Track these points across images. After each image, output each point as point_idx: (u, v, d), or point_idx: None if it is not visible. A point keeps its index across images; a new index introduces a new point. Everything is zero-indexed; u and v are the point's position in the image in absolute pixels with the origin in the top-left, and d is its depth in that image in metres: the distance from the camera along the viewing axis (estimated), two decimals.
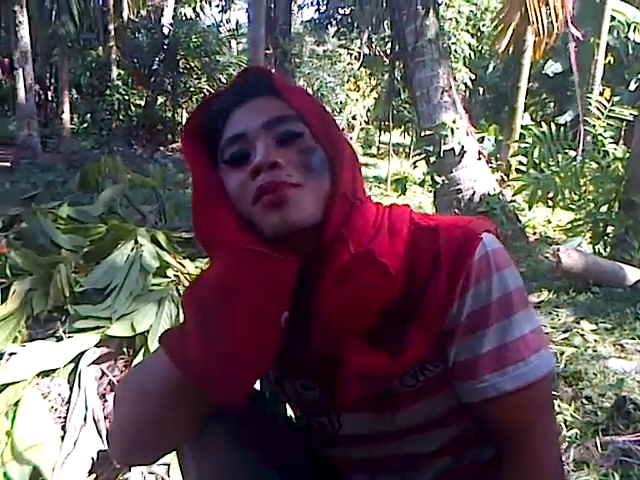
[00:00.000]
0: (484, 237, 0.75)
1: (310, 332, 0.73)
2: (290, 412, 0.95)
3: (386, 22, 8.91)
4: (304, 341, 0.74)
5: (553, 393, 2.30)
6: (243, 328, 0.68)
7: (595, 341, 2.97)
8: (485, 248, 0.74)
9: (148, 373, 0.77)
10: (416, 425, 0.80)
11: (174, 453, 0.84)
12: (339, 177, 0.74)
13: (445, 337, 0.75)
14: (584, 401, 2.28)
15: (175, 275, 2.88)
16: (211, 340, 0.69)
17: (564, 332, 3.11)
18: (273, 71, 0.84)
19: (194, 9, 15.39)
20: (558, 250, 3.99)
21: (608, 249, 4.59)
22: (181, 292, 2.81)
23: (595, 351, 2.81)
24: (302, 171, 0.73)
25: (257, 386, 0.92)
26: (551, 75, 11.31)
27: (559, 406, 2.21)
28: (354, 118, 15.21)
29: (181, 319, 0.75)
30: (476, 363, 0.74)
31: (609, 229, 4.63)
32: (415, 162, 6.19)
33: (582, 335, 3.05)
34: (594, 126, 5.41)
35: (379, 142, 16.35)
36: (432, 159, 5.40)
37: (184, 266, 3.09)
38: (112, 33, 12.05)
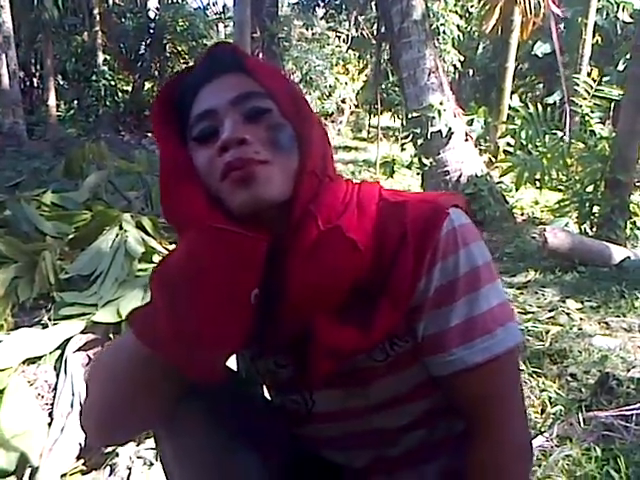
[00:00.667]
0: (451, 212, 0.75)
1: (281, 309, 0.74)
2: (266, 392, 0.96)
3: (373, 3, 8.83)
4: (275, 318, 0.74)
5: (538, 371, 2.33)
6: (212, 306, 0.68)
7: (580, 319, 3.00)
8: (452, 223, 0.74)
9: (117, 353, 0.78)
10: (387, 400, 0.81)
11: None
12: (308, 154, 0.74)
13: (414, 312, 0.75)
14: (569, 378, 2.31)
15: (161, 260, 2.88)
16: (180, 318, 0.69)
17: (550, 311, 3.14)
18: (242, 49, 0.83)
19: None
20: (544, 230, 4.01)
21: (594, 229, 4.62)
22: None
23: (580, 329, 2.84)
24: (270, 148, 0.73)
25: (233, 366, 0.93)
26: (540, 56, 11.27)
27: (544, 384, 2.24)
28: (343, 102, 15.11)
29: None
30: (444, 337, 0.74)
31: (595, 209, 4.65)
32: (403, 144, 6.18)
33: (568, 314, 3.08)
34: (581, 106, 5.41)
35: (369, 126, 16.29)
36: (419, 141, 5.40)
37: (169, 251, 3.08)
38: (97, 18, 11.87)
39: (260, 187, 0.70)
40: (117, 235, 2.93)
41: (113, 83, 12.13)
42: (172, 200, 0.75)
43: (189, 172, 0.74)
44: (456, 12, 11.80)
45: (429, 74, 5.26)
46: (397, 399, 0.81)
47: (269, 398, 0.94)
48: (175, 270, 0.70)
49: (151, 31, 12.31)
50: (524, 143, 5.62)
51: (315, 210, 0.73)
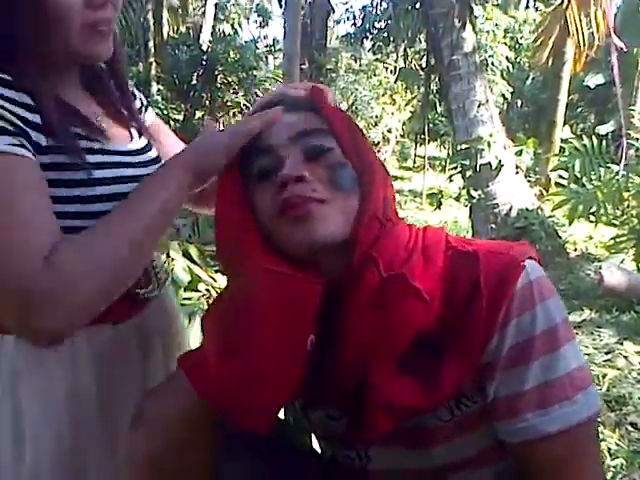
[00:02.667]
0: (527, 265, 0.70)
1: (338, 357, 0.70)
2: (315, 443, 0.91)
3: (422, 35, 8.88)
4: (332, 367, 0.71)
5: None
6: (266, 351, 0.66)
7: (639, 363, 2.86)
8: (528, 277, 0.69)
9: (166, 397, 0.75)
10: (452, 463, 0.75)
11: None
12: (369, 196, 0.72)
13: (484, 371, 0.70)
14: (629, 428, 2.19)
15: (206, 289, 2.89)
16: (233, 363, 0.66)
17: (606, 353, 3.01)
18: (312, 84, 0.83)
19: (232, 25, 15.67)
20: (600, 267, 3.87)
21: None
22: None
23: None
24: (329, 187, 0.71)
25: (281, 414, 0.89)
26: (592, 87, 11.07)
27: (602, 433, 2.12)
28: (389, 131, 15.15)
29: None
30: (517, 401, 0.69)
31: None
32: (451, 176, 6.11)
33: (626, 357, 2.94)
34: (637, 139, 5.24)
35: (415, 155, 16.26)
36: (468, 173, 5.32)
37: (215, 280, 3.09)
38: (152, 50, 12.33)
39: (316, 226, 0.68)
40: (164, 263, 2.96)
41: (166, 112, 12.50)
42: (227, 237, 0.74)
43: (246, 209, 0.73)
44: (505, 43, 11.76)
45: (479, 106, 5.21)
46: (463, 463, 0.75)
47: (319, 450, 0.90)
48: (229, 313, 0.69)
49: (203, 62, 12.68)
50: (578, 176, 5.47)
51: (377, 255, 0.69)
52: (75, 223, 0.75)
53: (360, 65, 15.67)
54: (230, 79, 12.96)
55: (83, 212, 0.77)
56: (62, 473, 0.83)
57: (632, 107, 6.52)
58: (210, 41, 13.44)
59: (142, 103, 1.03)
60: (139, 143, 0.93)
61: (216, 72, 12.75)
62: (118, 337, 0.86)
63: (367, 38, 13.71)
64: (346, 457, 0.81)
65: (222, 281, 3.02)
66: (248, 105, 12.87)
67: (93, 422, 0.84)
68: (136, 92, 1.02)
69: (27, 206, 0.68)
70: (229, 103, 13.06)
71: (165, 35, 13.61)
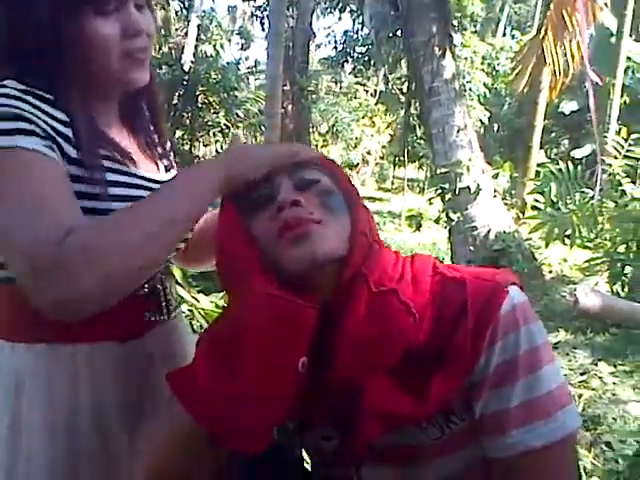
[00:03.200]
0: (510, 290, 0.75)
1: (330, 375, 0.73)
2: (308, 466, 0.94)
3: (403, 61, 9.06)
4: (324, 384, 0.74)
5: None
6: (259, 373, 0.68)
7: (614, 384, 2.92)
8: (512, 301, 0.74)
9: (166, 419, 0.77)
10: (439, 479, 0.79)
11: None
12: (357, 217, 0.78)
13: (472, 390, 0.74)
14: (604, 447, 2.24)
15: (189, 310, 2.90)
16: (224, 382, 0.68)
17: (582, 374, 3.07)
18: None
19: (214, 47, 15.76)
20: (575, 290, 3.96)
21: (626, 289, 4.53)
22: (195, 326, 2.81)
23: (614, 394, 2.77)
24: (322, 210, 0.76)
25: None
26: (567, 113, 11.36)
27: (578, 452, 2.16)
28: (369, 153, 15.32)
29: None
30: (504, 417, 0.73)
31: (627, 269, 4.58)
32: (431, 199, 6.21)
33: (600, 377, 3.00)
34: (611, 165, 5.40)
35: (393, 177, 16.43)
36: (447, 196, 5.41)
37: (198, 300, 3.10)
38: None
39: (316, 244, 0.73)
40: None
41: None
42: (228, 262, 0.79)
43: (244, 235, 0.77)
44: (482, 70, 12.04)
45: (458, 131, 5.32)
46: (450, 479, 0.78)
47: (311, 471, 0.92)
48: (225, 333, 0.71)
49: (184, 82, 12.72)
50: (554, 200, 5.60)
51: (367, 272, 0.75)
52: None
53: (340, 88, 15.86)
54: (211, 99, 13.00)
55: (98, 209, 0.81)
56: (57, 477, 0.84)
57: (605, 134, 6.71)
58: (192, 61, 13.50)
59: (171, 144, 1.07)
60: (165, 176, 0.98)
61: (197, 92, 12.78)
62: (120, 356, 0.88)
63: (347, 61, 13.92)
64: (338, 477, 0.84)
65: (205, 302, 3.03)
66: (229, 125, 12.93)
67: (90, 437, 0.86)
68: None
69: (54, 189, 0.74)
70: (210, 123, 13.08)
71: None
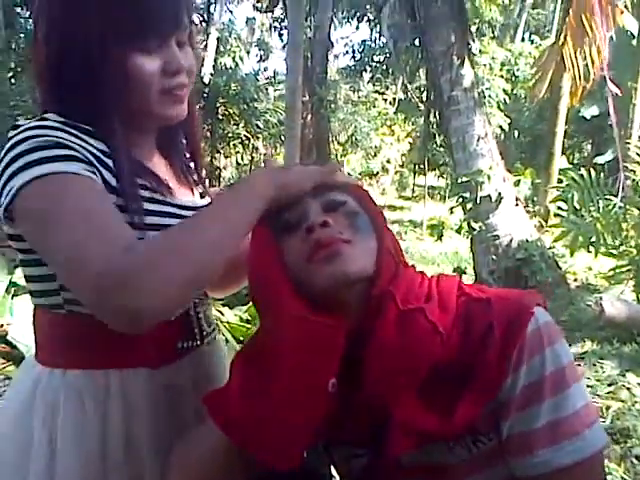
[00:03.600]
0: (536, 311, 0.76)
1: (360, 394, 0.75)
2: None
3: (421, 70, 9.07)
4: (354, 405, 0.76)
5: None
6: (290, 394, 0.71)
7: None
8: (537, 322, 0.75)
9: (195, 440, 0.80)
10: None
11: None
12: (383, 237, 0.81)
13: (499, 410, 0.75)
14: (634, 461, 2.20)
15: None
16: (258, 404, 0.71)
17: (609, 385, 3.02)
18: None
19: (233, 58, 15.93)
20: (601, 299, 3.91)
21: None
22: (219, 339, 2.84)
23: None
24: (350, 230, 0.79)
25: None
26: (588, 118, 11.25)
27: (607, 466, 2.13)
28: (388, 162, 15.31)
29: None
30: (530, 437, 0.74)
31: None
32: (452, 208, 6.18)
33: (629, 389, 2.96)
34: (634, 171, 5.33)
35: (414, 185, 16.39)
36: (469, 205, 5.39)
37: (223, 314, 3.14)
38: None
39: (346, 263, 0.75)
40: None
41: None
42: (259, 284, 0.82)
43: (276, 259, 0.79)
44: (502, 76, 11.98)
45: (478, 140, 5.31)
46: None
47: None
48: (257, 355, 0.74)
49: (204, 95, 12.87)
50: (576, 207, 5.54)
51: (394, 291, 0.77)
52: None
53: (359, 97, 15.90)
54: (231, 111, 13.13)
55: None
56: None
57: (628, 140, 6.63)
58: (212, 74, 13.67)
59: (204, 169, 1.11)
60: (200, 202, 1.00)
61: (217, 104, 12.93)
62: (152, 383, 0.90)
63: (366, 71, 13.96)
64: None
65: (229, 315, 3.07)
66: (249, 136, 13.04)
67: (120, 464, 0.88)
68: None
69: (102, 212, 0.76)
70: (230, 134, 13.22)
71: None
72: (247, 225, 0.80)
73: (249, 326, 3.08)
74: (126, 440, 0.88)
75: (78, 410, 0.87)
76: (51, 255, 0.75)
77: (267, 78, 16.66)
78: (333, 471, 0.94)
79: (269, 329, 0.77)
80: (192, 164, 1.03)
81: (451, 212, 6.40)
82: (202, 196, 1.03)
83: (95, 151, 0.81)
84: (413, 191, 16.46)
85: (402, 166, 16.56)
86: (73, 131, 0.80)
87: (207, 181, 1.09)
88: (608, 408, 2.67)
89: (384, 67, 13.18)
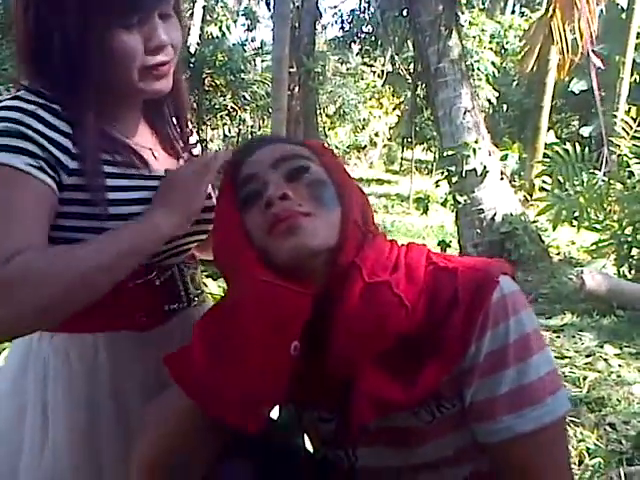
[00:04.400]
0: (501, 280, 0.77)
1: (324, 360, 0.76)
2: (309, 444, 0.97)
3: (409, 41, 8.97)
4: (319, 369, 0.77)
5: (575, 420, 2.28)
6: (253, 356, 0.72)
7: (619, 366, 2.93)
8: (502, 291, 0.76)
9: (162, 402, 0.81)
10: (432, 461, 0.82)
11: None
12: (349, 206, 0.80)
13: (463, 377, 0.76)
14: (608, 428, 2.25)
15: None
16: (218, 363, 0.72)
17: (587, 356, 3.08)
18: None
19: (220, 28, 15.64)
20: (582, 272, 3.96)
21: (633, 272, 4.52)
22: None
23: (619, 376, 2.78)
24: (312, 202, 0.78)
25: (274, 416, 0.95)
26: (576, 92, 11.22)
27: (581, 433, 2.19)
28: (376, 135, 15.25)
29: None
30: (493, 404, 0.75)
31: (634, 251, 4.56)
32: (437, 182, 6.19)
33: (606, 360, 3.01)
34: (619, 146, 5.35)
35: (401, 159, 16.35)
36: (454, 179, 5.40)
37: (206, 285, 3.13)
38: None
39: (305, 236, 0.75)
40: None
41: None
42: (223, 251, 0.83)
43: (239, 229, 0.80)
44: (491, 49, 11.88)
45: (465, 113, 5.28)
46: (442, 461, 0.81)
47: (311, 450, 0.95)
48: (220, 317, 0.75)
49: (191, 65, 12.66)
50: (561, 181, 5.57)
51: (360, 263, 0.77)
52: (85, 236, 0.82)
53: (348, 69, 15.73)
54: (218, 82, 12.93)
55: (96, 228, 0.83)
56: (79, 460, 0.89)
57: (615, 114, 6.64)
58: (198, 43, 13.42)
59: (196, 139, 1.10)
60: None
61: (204, 75, 12.73)
62: (139, 344, 0.92)
63: (355, 42, 13.77)
64: (336, 457, 0.87)
65: (213, 286, 3.06)
66: (236, 108, 12.88)
67: (110, 417, 0.91)
68: (191, 128, 1.09)
69: (21, 209, 0.76)
70: (217, 106, 13.04)
71: None
72: (132, 260, 0.82)
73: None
74: (116, 402, 0.91)
75: (66, 373, 0.89)
76: None
77: (254, 49, 16.37)
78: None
79: (234, 294, 0.79)
80: (179, 133, 1.02)
81: (437, 185, 6.41)
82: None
83: (55, 135, 0.80)
84: (401, 165, 16.41)
85: (390, 140, 16.50)
86: (40, 113, 0.80)
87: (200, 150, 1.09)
88: (585, 378, 2.72)
89: (372, 39, 12.99)
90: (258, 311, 0.72)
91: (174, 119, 1.01)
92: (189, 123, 1.04)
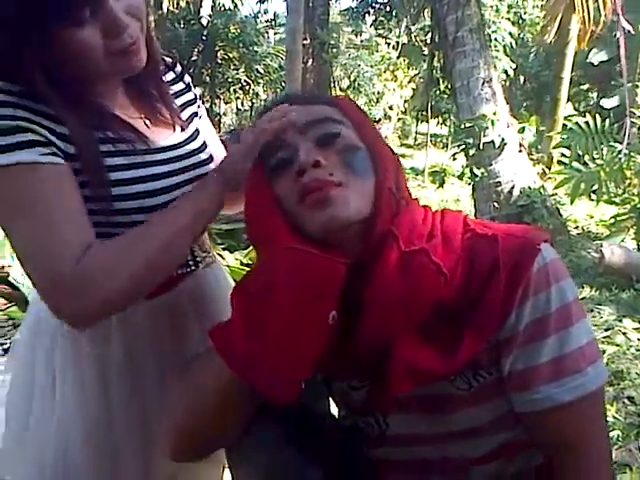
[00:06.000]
0: (542, 248, 0.75)
1: (360, 330, 0.75)
2: (335, 411, 0.97)
3: (426, 11, 8.79)
4: (355, 340, 0.75)
5: None
6: (289, 325, 0.70)
7: (638, 340, 2.91)
8: (544, 259, 0.74)
9: (202, 370, 0.80)
10: (465, 430, 0.81)
11: None
12: (383, 173, 0.77)
13: (502, 346, 0.75)
14: (626, 402, 2.25)
15: None
16: (258, 336, 0.71)
17: (606, 330, 3.06)
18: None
19: (232, 0, 15.45)
20: (601, 246, 3.91)
21: None
22: None
23: (638, 350, 2.76)
24: (344, 170, 0.75)
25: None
26: (595, 64, 10.97)
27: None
28: (391, 108, 15.07)
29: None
30: (533, 373, 0.74)
31: None
32: (454, 154, 6.10)
33: (624, 333, 2.99)
34: None
35: (416, 132, 16.19)
36: (471, 151, 5.31)
37: (223, 258, 3.14)
38: (152, 25, 12.16)
39: (337, 208, 0.72)
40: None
41: None
42: (255, 222, 0.81)
43: (271, 198, 0.78)
44: (508, 19, 11.62)
45: (483, 84, 5.18)
46: (476, 430, 0.80)
47: (339, 417, 0.95)
48: (255, 289, 0.73)
49: (203, 38, 12.54)
50: (580, 154, 5.47)
51: (395, 231, 0.74)
52: (95, 219, 0.81)
53: (361, 41, 15.50)
54: (231, 55, 12.82)
55: (102, 210, 0.82)
56: (91, 433, 0.90)
57: (637, 84, 6.49)
58: (210, 15, 13.27)
59: (195, 97, 1.07)
60: (179, 137, 0.97)
61: (217, 48, 12.61)
62: (150, 310, 0.92)
63: (369, 13, 13.53)
64: (366, 424, 0.86)
65: (230, 259, 3.07)
66: (249, 82, 12.78)
67: (121, 385, 0.91)
68: (191, 87, 1.07)
69: (61, 209, 0.76)
70: (230, 80, 12.95)
71: (165, 10, 13.43)
72: (198, 231, 0.86)
73: (249, 270, 3.10)
74: (127, 365, 0.91)
75: (75, 344, 0.89)
76: (12, 242, 0.77)
77: (267, 21, 16.17)
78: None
79: (265, 263, 0.77)
80: (163, 102, 0.98)
81: (453, 158, 6.32)
82: (183, 128, 0.99)
83: (46, 122, 0.78)
84: (415, 139, 16.25)
85: (404, 113, 16.31)
86: (26, 103, 0.77)
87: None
88: (604, 352, 2.71)
89: (387, 9, 12.75)
90: (291, 280, 0.70)
91: (154, 91, 0.97)
92: (167, 90, 1.00)
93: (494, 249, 0.75)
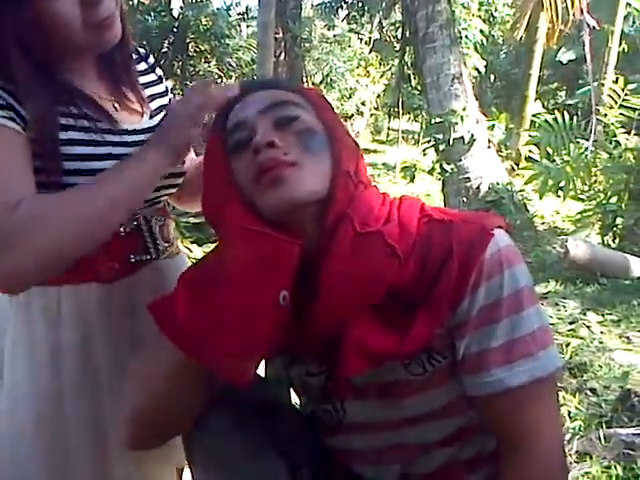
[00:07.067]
0: (496, 233, 0.76)
1: (314, 312, 0.75)
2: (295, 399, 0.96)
3: (397, 7, 8.83)
4: (310, 322, 0.75)
5: (558, 384, 2.30)
6: (238, 303, 0.70)
7: (601, 333, 2.97)
8: (497, 245, 0.75)
9: (154, 351, 0.79)
10: (420, 414, 0.81)
11: None
12: (340, 156, 0.78)
13: (456, 330, 0.75)
14: (588, 393, 2.29)
15: None
16: (205, 312, 0.70)
17: (570, 323, 3.11)
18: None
19: None
20: (566, 241, 3.98)
21: (617, 240, 4.57)
22: None
23: (601, 343, 2.82)
24: (299, 150, 0.76)
25: (262, 372, 0.93)
26: (564, 62, 11.16)
27: (563, 397, 2.21)
28: (363, 104, 15.10)
29: None
30: (485, 357, 0.75)
31: (618, 220, 4.60)
32: (425, 149, 6.15)
33: (588, 327, 3.05)
34: (606, 115, 5.35)
35: (388, 128, 16.26)
36: (441, 147, 5.37)
37: (191, 251, 3.12)
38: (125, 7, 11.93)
39: (290, 187, 0.73)
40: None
41: None
42: (211, 201, 0.80)
43: (228, 178, 0.78)
44: (479, 16, 11.73)
45: (452, 80, 5.23)
46: (431, 414, 0.81)
47: (299, 406, 0.95)
48: (205, 265, 0.74)
49: (174, 30, 12.37)
50: (548, 151, 5.57)
51: (351, 213, 0.75)
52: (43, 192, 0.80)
53: (334, 35, 15.48)
54: (202, 47, 12.68)
55: (53, 183, 0.81)
56: (41, 413, 0.88)
57: (602, 82, 6.61)
58: (181, 7, 13.08)
59: (167, 89, 1.07)
60: (144, 124, 0.96)
61: (188, 40, 12.45)
62: (105, 296, 0.90)
63: (342, 7, 13.52)
64: (324, 411, 0.86)
65: (198, 252, 3.04)
66: (221, 75, 12.67)
67: (74, 369, 0.89)
68: (163, 79, 1.07)
69: (8, 160, 0.75)
70: (201, 72, 12.81)
71: (135, 1, 13.21)
72: (135, 195, 0.83)
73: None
74: (80, 349, 0.89)
75: (26, 326, 0.88)
76: None
77: (239, 14, 16.01)
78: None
79: (222, 244, 0.77)
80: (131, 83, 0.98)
81: (424, 154, 6.37)
82: (151, 116, 0.99)
83: (12, 88, 0.78)
84: (387, 135, 16.32)
85: (377, 109, 16.36)
86: None
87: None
88: (568, 345, 2.75)
89: (359, 4, 12.76)
90: (243, 259, 0.70)
91: (124, 75, 0.97)
92: (136, 76, 1.00)
93: (448, 235, 0.76)
